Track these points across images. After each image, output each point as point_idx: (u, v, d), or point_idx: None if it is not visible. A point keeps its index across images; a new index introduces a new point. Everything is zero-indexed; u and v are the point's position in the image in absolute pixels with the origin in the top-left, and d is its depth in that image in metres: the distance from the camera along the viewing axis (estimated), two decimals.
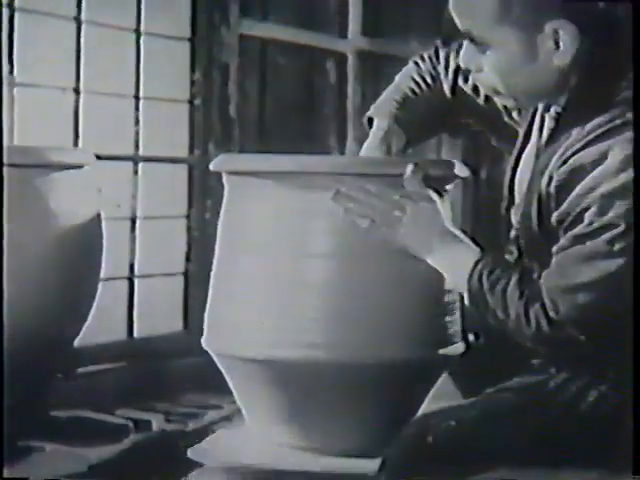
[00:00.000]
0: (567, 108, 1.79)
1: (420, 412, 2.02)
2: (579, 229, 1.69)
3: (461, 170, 2.14)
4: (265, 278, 2.01)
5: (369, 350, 1.96)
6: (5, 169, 2.03)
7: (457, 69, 2.11)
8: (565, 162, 1.73)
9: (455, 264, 1.81)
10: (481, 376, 1.97)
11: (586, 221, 1.68)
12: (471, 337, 2.13)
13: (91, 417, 2.71)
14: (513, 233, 1.91)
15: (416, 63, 2.19)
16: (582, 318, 1.66)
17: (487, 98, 2.05)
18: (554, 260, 1.72)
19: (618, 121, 1.70)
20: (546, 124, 1.87)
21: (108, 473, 2.37)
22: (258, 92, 3.58)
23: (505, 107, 2.01)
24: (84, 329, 2.45)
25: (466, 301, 1.81)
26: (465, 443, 1.71)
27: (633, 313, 1.65)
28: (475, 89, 2.09)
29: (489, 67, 1.80)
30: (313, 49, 3.81)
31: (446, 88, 2.14)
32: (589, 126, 1.73)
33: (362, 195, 1.90)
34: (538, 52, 1.75)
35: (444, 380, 2.09)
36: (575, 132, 1.75)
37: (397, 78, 2.20)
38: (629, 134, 1.68)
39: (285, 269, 1.99)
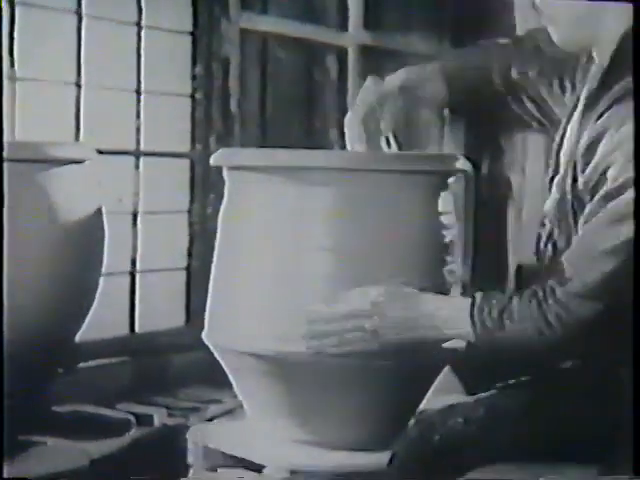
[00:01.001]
0: (608, 71, 1.77)
1: (427, 409, 2.02)
2: (602, 191, 1.67)
3: (463, 164, 2.14)
4: (266, 272, 2.01)
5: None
6: (6, 164, 2.02)
7: None
8: (595, 123, 1.73)
9: (453, 321, 1.78)
10: (484, 370, 1.96)
11: (609, 181, 1.66)
12: None
13: (93, 412, 2.71)
14: (549, 204, 1.87)
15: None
16: (607, 286, 1.64)
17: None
18: (580, 233, 1.71)
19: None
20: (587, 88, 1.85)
21: (110, 467, 2.37)
22: (259, 86, 3.58)
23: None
24: (86, 324, 2.45)
25: (478, 343, 1.77)
26: (471, 441, 1.71)
27: (633, 312, 1.64)
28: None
29: None
30: (314, 43, 3.81)
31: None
32: (617, 87, 1.72)
33: (334, 325, 1.89)
34: None
35: (447, 374, 2.08)
36: (606, 94, 1.74)
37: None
38: None
39: (285, 263, 1.99)
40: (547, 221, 1.86)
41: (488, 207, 4.55)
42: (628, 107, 1.69)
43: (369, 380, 1.99)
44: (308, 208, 1.99)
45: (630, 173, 1.64)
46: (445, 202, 2.09)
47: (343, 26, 3.96)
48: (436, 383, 2.08)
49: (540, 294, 1.69)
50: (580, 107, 1.87)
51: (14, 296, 2.05)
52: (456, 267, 2.12)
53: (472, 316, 1.74)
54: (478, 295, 1.76)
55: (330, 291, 1.96)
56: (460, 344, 2.06)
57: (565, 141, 1.90)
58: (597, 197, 1.68)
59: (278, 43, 3.64)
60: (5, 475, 1.92)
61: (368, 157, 2.10)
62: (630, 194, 1.64)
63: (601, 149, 1.69)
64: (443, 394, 2.00)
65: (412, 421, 1.80)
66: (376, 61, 4.09)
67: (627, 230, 1.64)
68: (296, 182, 1.99)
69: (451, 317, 1.78)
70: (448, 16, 4.47)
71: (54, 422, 2.54)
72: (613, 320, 1.66)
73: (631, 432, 1.63)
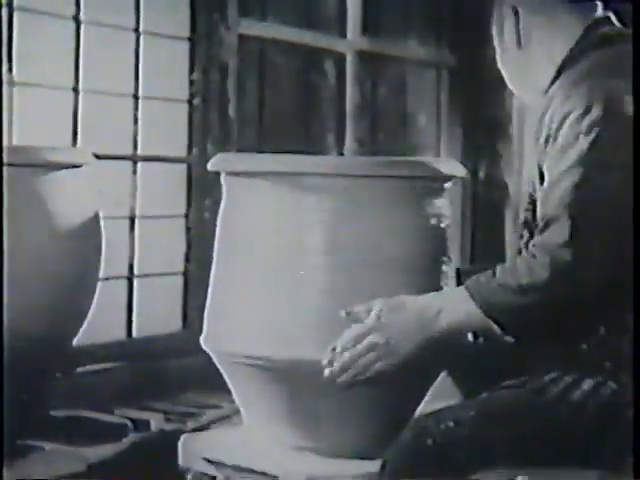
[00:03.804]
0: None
1: (418, 413, 2.02)
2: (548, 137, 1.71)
3: (458, 169, 2.15)
4: (263, 277, 2.01)
5: None
6: (4, 169, 2.03)
7: None
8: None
9: (454, 307, 1.75)
10: (480, 375, 1.96)
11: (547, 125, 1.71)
12: (469, 336, 2.13)
13: (90, 417, 2.71)
14: (522, 217, 1.88)
15: None
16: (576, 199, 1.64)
17: None
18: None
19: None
20: None
21: (107, 472, 2.37)
22: (257, 92, 3.58)
23: None
24: (83, 328, 2.45)
25: (489, 319, 1.71)
26: (464, 443, 1.71)
27: (633, 311, 1.65)
28: None
29: None
30: (312, 49, 3.81)
31: None
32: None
33: (347, 356, 1.83)
34: None
35: (443, 380, 2.09)
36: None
37: None
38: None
39: (283, 268, 1.99)
40: (525, 232, 1.86)
41: (485, 211, 4.55)
42: (572, 71, 1.75)
43: (366, 387, 1.99)
44: (305, 213, 1.99)
45: (565, 110, 1.67)
46: (442, 206, 2.09)
47: (341, 32, 3.96)
48: (433, 389, 2.08)
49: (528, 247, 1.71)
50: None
51: (12, 300, 2.05)
52: (452, 271, 2.13)
53: (469, 291, 1.72)
54: (469, 277, 1.76)
55: (328, 296, 1.97)
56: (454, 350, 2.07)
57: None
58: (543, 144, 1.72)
59: (276, 49, 3.64)
60: None
61: (364, 163, 2.10)
62: (568, 126, 1.67)
63: (550, 109, 1.72)
64: (440, 400, 2.00)
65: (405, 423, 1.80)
66: (374, 67, 4.10)
67: (577, 152, 1.65)
68: (293, 187, 2.00)
69: (451, 303, 1.76)
70: (446, 22, 4.47)
71: (52, 427, 2.54)
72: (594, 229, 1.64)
73: (631, 433, 1.63)
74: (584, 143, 1.65)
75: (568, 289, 1.66)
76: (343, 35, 3.97)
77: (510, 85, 1.92)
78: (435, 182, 2.08)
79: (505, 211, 4.52)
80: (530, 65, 1.85)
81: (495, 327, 1.71)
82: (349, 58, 3.97)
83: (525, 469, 1.71)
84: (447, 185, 2.11)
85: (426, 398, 2.12)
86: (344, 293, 1.97)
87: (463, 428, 1.71)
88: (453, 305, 1.76)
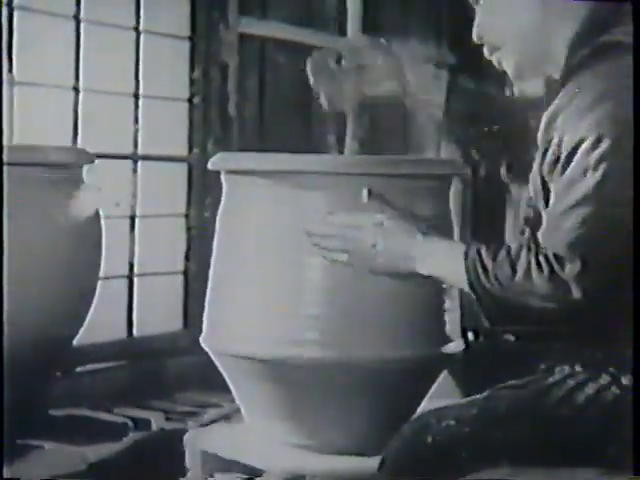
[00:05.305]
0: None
1: (419, 411, 2.02)
2: (561, 158, 1.69)
3: (462, 168, 2.15)
4: (263, 276, 2.01)
5: (368, 348, 1.97)
6: (5, 168, 2.03)
7: None
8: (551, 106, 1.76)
9: (446, 263, 1.79)
10: (481, 374, 1.96)
11: (565, 146, 1.68)
12: (470, 335, 2.13)
13: (90, 416, 2.71)
14: (523, 214, 1.88)
15: None
16: (584, 238, 1.63)
17: None
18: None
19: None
20: None
21: (107, 472, 2.37)
22: (257, 90, 3.58)
23: None
24: (83, 328, 2.45)
25: (470, 291, 1.73)
26: (464, 442, 1.71)
27: (633, 312, 1.64)
28: None
29: None
30: (312, 47, 3.81)
31: None
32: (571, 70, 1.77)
33: (333, 229, 1.91)
34: None
35: (444, 378, 2.09)
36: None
37: None
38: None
39: (283, 267, 1.99)
40: (526, 228, 1.86)
41: (486, 210, 4.56)
42: (582, 81, 1.71)
43: (367, 385, 1.99)
44: (305, 212, 1.99)
45: (576, 139, 1.65)
46: (444, 205, 2.09)
47: (341, 30, 3.97)
48: (434, 388, 2.08)
49: (533, 245, 1.70)
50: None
51: (13, 300, 2.05)
52: None
53: (466, 259, 1.73)
54: (474, 244, 1.76)
55: (329, 295, 1.97)
56: (455, 349, 2.07)
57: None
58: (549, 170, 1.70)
59: (276, 47, 3.64)
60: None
61: (364, 161, 2.10)
62: (578, 157, 1.64)
63: (558, 124, 1.70)
64: (441, 399, 2.00)
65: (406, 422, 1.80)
66: None
67: (585, 184, 1.63)
68: (294, 186, 2.00)
69: (446, 260, 1.78)
70: (446, 20, 4.48)
71: (52, 426, 2.54)
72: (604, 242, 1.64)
73: (631, 432, 1.63)
74: (591, 180, 1.63)
75: (565, 314, 1.67)
76: (343, 34, 3.97)
77: (516, 57, 1.89)
78: (438, 180, 2.08)
79: (505, 210, 4.52)
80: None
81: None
82: None
83: (525, 469, 1.71)
84: (450, 184, 2.11)
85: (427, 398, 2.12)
86: (345, 293, 1.97)
87: (464, 427, 1.71)
88: (444, 259, 1.79)
